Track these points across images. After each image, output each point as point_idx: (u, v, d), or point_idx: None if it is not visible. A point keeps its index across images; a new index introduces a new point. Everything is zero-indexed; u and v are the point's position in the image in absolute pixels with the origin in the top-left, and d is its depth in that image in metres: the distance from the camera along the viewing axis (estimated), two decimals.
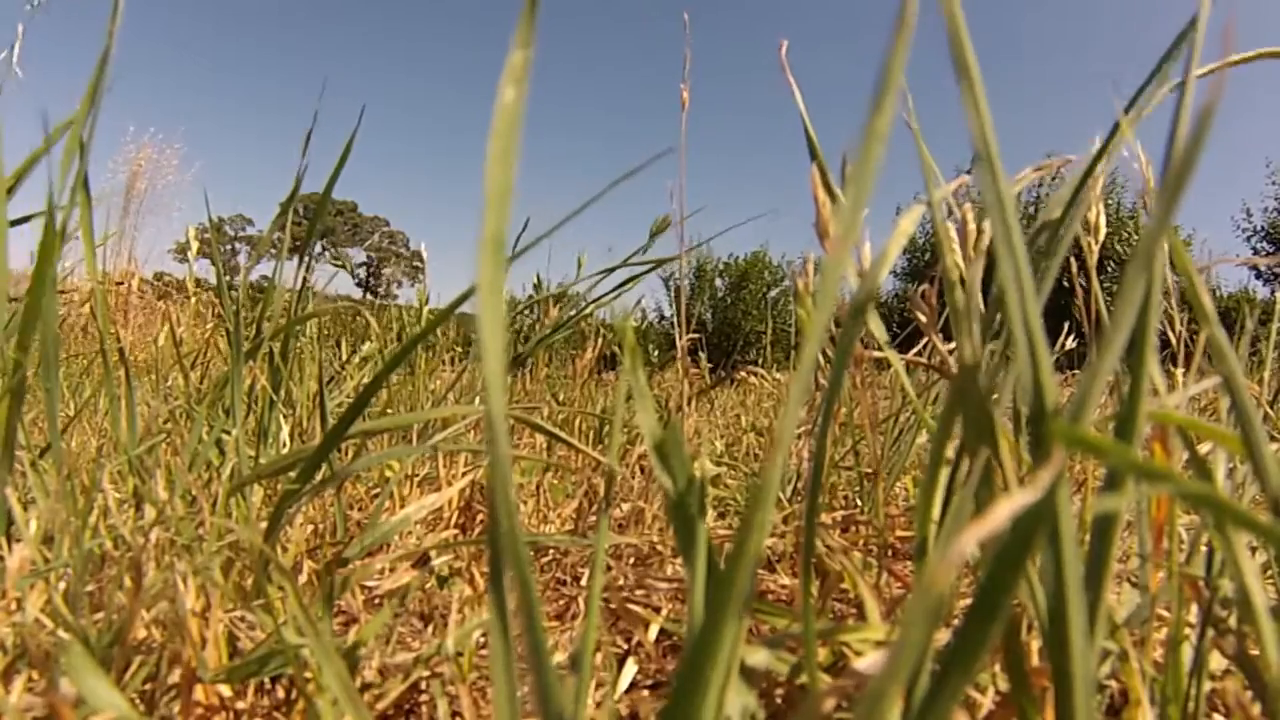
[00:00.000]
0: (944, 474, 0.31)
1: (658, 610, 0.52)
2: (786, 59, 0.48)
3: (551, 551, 0.76)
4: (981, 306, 0.34)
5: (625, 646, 0.56)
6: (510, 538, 0.19)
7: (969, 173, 0.24)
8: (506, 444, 0.19)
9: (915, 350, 0.82)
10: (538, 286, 1.75)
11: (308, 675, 0.37)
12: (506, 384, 0.20)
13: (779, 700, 0.39)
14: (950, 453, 0.34)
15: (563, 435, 0.57)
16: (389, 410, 1.22)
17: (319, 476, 0.50)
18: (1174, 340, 0.69)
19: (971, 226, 0.35)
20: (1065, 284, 0.59)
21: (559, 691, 0.20)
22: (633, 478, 0.94)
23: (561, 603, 0.65)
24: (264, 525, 0.51)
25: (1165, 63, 0.33)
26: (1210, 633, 0.33)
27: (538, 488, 0.90)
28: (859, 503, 0.92)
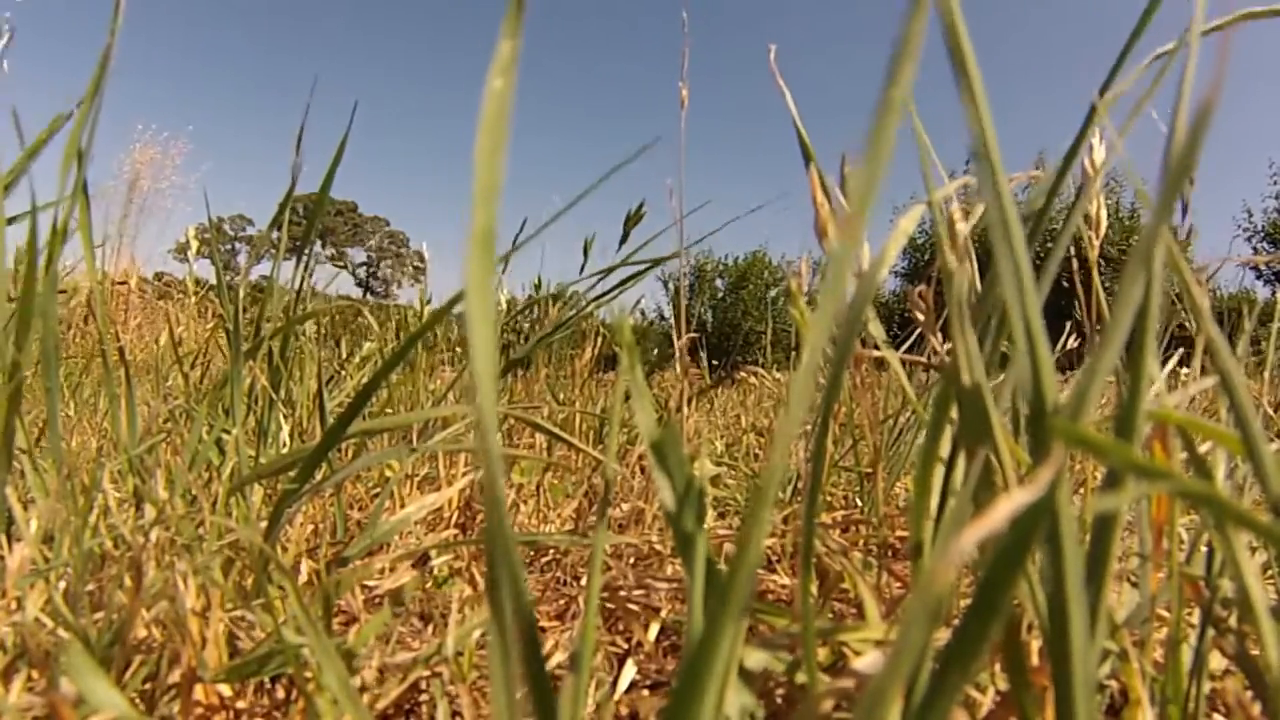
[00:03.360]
0: (936, 472, 0.31)
1: (658, 610, 0.52)
2: (776, 64, 0.48)
3: (552, 551, 0.76)
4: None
5: (625, 646, 0.56)
6: (501, 535, 0.19)
7: (967, 170, 0.24)
8: (497, 441, 0.19)
9: (909, 347, 0.82)
10: (538, 287, 1.75)
11: (308, 675, 0.37)
12: (497, 381, 0.20)
13: (779, 700, 0.39)
14: (949, 453, 0.34)
15: (563, 435, 0.57)
16: (389, 410, 1.22)
17: (319, 476, 0.50)
18: (1191, 335, 0.69)
19: (960, 225, 0.35)
20: (1065, 284, 0.59)
21: (550, 690, 0.20)
22: (633, 477, 0.94)
23: (561, 603, 0.65)
24: (264, 525, 0.51)
25: (1134, 40, 0.33)
26: (1210, 633, 0.33)
27: (538, 488, 0.90)
28: (859, 503, 0.92)
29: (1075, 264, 0.60)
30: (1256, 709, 0.31)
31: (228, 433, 0.76)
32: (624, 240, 0.99)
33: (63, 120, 0.60)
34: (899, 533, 0.72)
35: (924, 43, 0.20)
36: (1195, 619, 0.35)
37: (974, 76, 0.22)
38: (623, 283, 0.96)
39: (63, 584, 0.48)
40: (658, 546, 0.70)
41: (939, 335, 0.44)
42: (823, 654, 0.41)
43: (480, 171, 0.19)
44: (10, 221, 0.58)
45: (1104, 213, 0.52)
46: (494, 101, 0.20)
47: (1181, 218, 0.57)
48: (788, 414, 0.18)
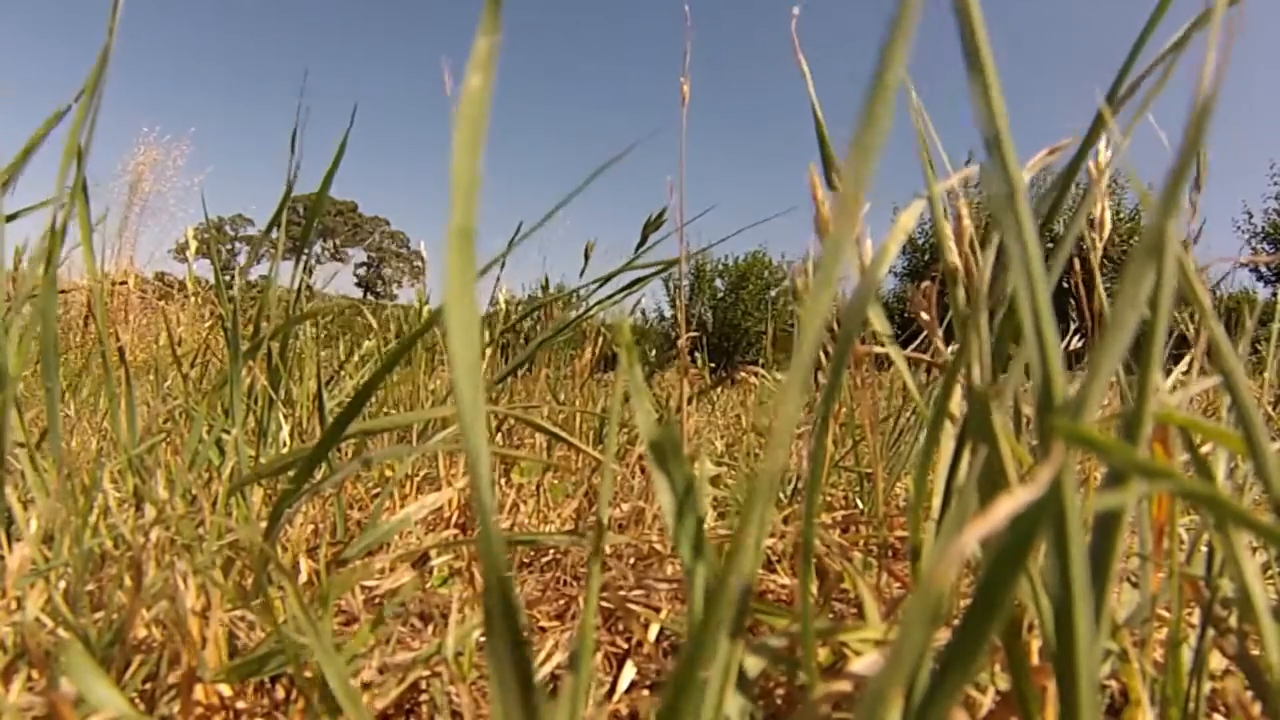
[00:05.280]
0: (935, 473, 0.31)
1: (658, 610, 0.52)
2: (795, 43, 0.47)
3: (552, 551, 0.76)
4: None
5: (625, 646, 0.55)
6: (486, 536, 0.19)
7: (968, 164, 0.24)
8: (483, 445, 0.18)
9: (912, 346, 0.82)
10: (544, 287, 1.75)
11: (307, 674, 0.37)
12: (479, 383, 0.19)
13: (778, 700, 0.39)
14: (950, 453, 0.34)
15: (563, 435, 0.57)
16: (389, 410, 1.22)
17: (318, 476, 0.50)
18: (1190, 336, 0.69)
19: (966, 222, 0.35)
20: (1067, 285, 0.58)
21: (540, 692, 0.20)
22: (633, 477, 0.94)
23: (561, 603, 0.65)
24: (264, 525, 0.51)
25: (1140, 44, 0.32)
26: (1210, 633, 0.33)
27: (538, 488, 0.90)
28: (859, 503, 0.92)
29: (1078, 265, 0.60)
30: (1256, 709, 0.31)
31: (228, 433, 0.76)
32: (641, 244, 0.99)
33: (59, 116, 0.60)
34: (899, 533, 0.72)
35: (926, 37, 0.20)
36: (1195, 619, 0.34)
37: (985, 56, 0.22)
38: (628, 287, 0.96)
39: (63, 584, 0.48)
40: (658, 546, 0.70)
41: (940, 334, 0.44)
42: (823, 654, 0.41)
43: (458, 169, 0.19)
44: (9, 219, 0.58)
45: (1108, 215, 0.52)
46: (472, 97, 0.19)
47: (1190, 221, 0.57)
48: (784, 407, 0.18)
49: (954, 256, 0.35)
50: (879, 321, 0.45)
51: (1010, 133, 0.22)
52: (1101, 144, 0.42)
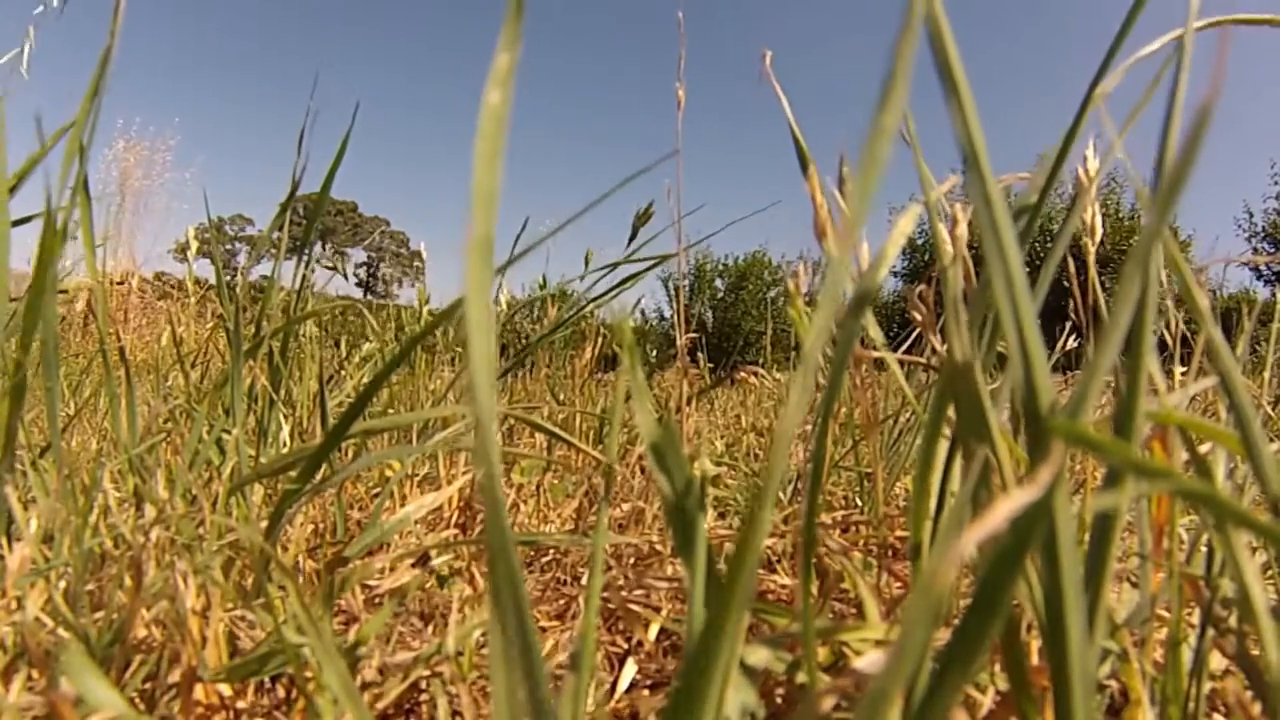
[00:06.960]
0: (935, 473, 0.31)
1: (658, 610, 0.52)
2: (772, 67, 0.48)
3: (552, 551, 0.76)
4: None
5: (625, 646, 0.56)
6: (499, 536, 0.19)
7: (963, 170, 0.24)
8: (495, 446, 0.19)
9: (909, 348, 0.82)
10: (542, 286, 1.75)
11: (308, 674, 0.37)
12: (495, 385, 0.20)
13: (779, 699, 0.39)
14: (944, 453, 0.34)
15: (563, 435, 0.57)
16: (389, 410, 1.22)
17: (319, 476, 0.50)
18: (1170, 341, 0.70)
19: (962, 227, 0.35)
20: (1064, 284, 0.59)
21: (547, 690, 0.20)
22: (633, 477, 0.94)
23: (561, 602, 0.65)
24: (264, 524, 0.51)
25: (1124, 34, 0.32)
26: (1210, 633, 0.33)
27: (538, 488, 0.90)
28: (859, 503, 0.92)
29: (1073, 266, 0.60)
30: (1256, 709, 0.31)
31: (228, 432, 0.76)
32: (632, 238, 1.00)
33: (67, 128, 0.60)
34: (899, 533, 0.72)
35: (923, 39, 0.20)
36: (1195, 619, 0.35)
37: (962, 86, 0.22)
38: (622, 282, 0.96)
39: (63, 584, 0.48)
40: (658, 546, 0.70)
41: (938, 336, 0.44)
42: (823, 654, 0.41)
43: (479, 180, 0.19)
44: (17, 224, 0.58)
45: (1099, 220, 0.52)
46: (491, 113, 0.20)
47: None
48: (788, 411, 0.18)
49: (949, 259, 0.35)
50: (874, 329, 0.45)
51: (986, 149, 0.22)
52: (1089, 150, 0.42)
